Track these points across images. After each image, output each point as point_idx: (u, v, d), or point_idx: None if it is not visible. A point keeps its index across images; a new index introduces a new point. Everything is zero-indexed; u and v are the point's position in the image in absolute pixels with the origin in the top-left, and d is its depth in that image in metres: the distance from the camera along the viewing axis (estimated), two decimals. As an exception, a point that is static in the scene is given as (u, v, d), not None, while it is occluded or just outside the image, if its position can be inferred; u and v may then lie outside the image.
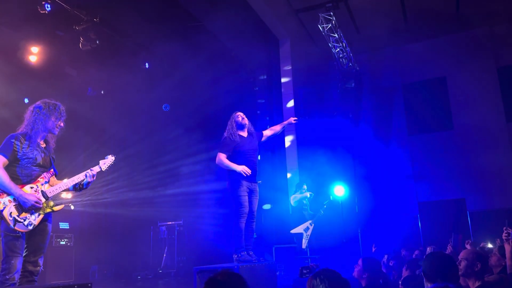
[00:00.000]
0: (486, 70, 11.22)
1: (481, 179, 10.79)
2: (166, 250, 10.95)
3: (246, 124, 4.94)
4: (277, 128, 5.29)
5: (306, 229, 7.60)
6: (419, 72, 12.02)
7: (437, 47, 11.80)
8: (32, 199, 3.18)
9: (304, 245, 7.55)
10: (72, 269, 9.38)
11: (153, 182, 11.75)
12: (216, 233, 10.34)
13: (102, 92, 11.09)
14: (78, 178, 3.55)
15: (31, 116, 3.41)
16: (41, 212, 3.29)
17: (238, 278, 1.86)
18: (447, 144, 11.41)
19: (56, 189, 3.43)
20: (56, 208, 3.41)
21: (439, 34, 11.67)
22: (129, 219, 11.40)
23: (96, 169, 3.66)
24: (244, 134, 4.93)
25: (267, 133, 5.21)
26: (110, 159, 3.79)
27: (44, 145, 3.50)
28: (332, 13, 9.14)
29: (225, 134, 4.87)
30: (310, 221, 7.64)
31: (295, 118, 5.25)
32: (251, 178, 4.79)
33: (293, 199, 8.00)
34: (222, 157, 4.71)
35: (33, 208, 3.19)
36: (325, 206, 7.86)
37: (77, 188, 3.59)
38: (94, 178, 3.61)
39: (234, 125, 4.89)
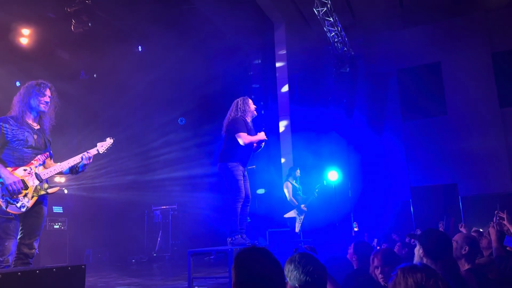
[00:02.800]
0: (481, 56, 11.21)
1: (473, 164, 10.88)
2: (160, 234, 11.02)
3: (255, 115, 5.02)
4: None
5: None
6: (414, 58, 11.98)
7: (432, 32, 11.75)
8: (12, 179, 3.10)
9: (297, 229, 7.60)
10: (66, 253, 9.40)
11: (147, 166, 11.74)
12: (210, 217, 10.40)
13: (94, 75, 10.97)
14: (74, 160, 3.46)
15: (17, 99, 3.40)
16: (34, 194, 3.24)
17: (266, 252, 1.86)
18: (440, 129, 11.45)
19: (51, 171, 3.35)
20: (50, 191, 3.35)
21: (434, 19, 11.60)
22: (123, 203, 11.40)
23: (93, 151, 3.57)
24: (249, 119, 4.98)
25: None
26: (108, 141, 3.70)
27: (38, 127, 3.45)
28: (327, -3, 9.06)
29: (238, 114, 4.81)
30: (303, 205, 7.68)
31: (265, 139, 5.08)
32: (247, 163, 4.85)
33: (286, 190, 7.82)
34: (246, 136, 4.69)
35: (13, 189, 3.08)
36: (317, 190, 7.89)
37: (73, 171, 3.51)
38: (91, 160, 3.52)
39: (248, 108, 4.89)
